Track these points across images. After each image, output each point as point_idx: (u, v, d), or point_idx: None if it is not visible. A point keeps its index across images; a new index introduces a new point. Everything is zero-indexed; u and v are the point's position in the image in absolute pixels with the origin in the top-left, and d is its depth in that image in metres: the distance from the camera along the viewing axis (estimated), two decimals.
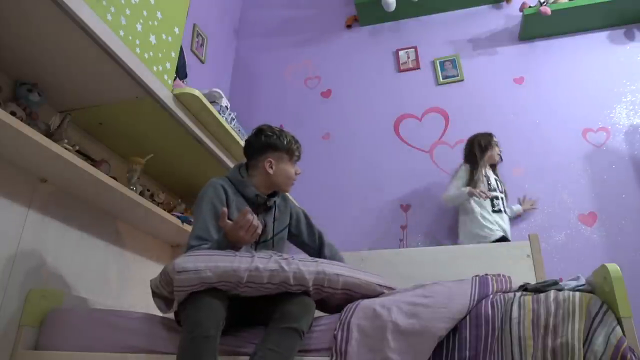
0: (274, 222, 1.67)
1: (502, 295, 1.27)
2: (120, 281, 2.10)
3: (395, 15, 3.37)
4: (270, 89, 3.48)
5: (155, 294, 1.41)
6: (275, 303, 1.31)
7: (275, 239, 1.66)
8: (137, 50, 1.71)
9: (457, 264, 2.07)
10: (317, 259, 1.40)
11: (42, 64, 1.65)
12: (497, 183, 2.61)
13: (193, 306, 1.23)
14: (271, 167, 1.64)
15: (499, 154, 2.70)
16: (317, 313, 1.40)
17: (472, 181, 2.56)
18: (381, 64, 3.33)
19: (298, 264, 1.33)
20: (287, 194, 1.79)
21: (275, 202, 1.68)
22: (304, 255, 1.64)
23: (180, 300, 1.28)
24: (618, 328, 1.09)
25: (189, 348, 1.18)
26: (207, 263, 1.25)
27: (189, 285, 1.24)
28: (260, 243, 1.62)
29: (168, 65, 1.91)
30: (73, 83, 1.76)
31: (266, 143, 1.66)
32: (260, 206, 1.64)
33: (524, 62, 3.05)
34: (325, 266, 1.36)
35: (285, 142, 1.69)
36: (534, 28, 3.02)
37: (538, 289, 1.28)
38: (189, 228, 2.18)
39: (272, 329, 1.24)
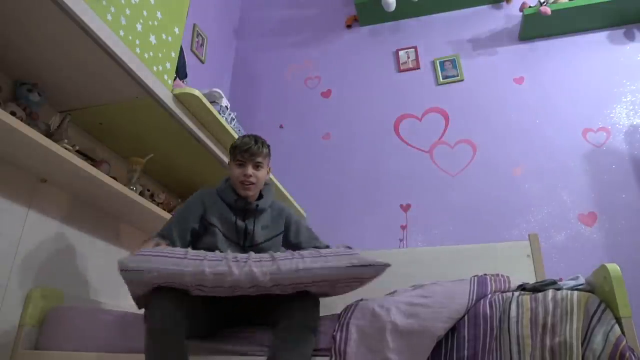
0: (261, 228, 1.63)
1: (500, 295, 1.27)
2: (120, 281, 2.09)
3: (395, 15, 3.37)
4: (270, 89, 3.48)
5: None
6: (277, 304, 1.30)
7: (266, 246, 1.61)
8: (137, 50, 1.71)
9: (457, 264, 2.07)
10: (275, 256, 1.31)
11: (42, 64, 1.65)
12: None
13: (150, 302, 1.25)
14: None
15: None
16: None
17: None
18: (381, 64, 3.33)
19: (251, 265, 1.26)
20: (278, 202, 1.76)
21: (257, 205, 1.64)
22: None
23: (134, 296, 1.33)
24: (616, 326, 1.09)
25: (146, 342, 1.20)
26: (151, 264, 1.25)
27: (136, 284, 1.27)
28: (247, 247, 1.59)
29: (168, 65, 1.91)
30: (73, 83, 1.76)
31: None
32: (246, 211, 1.64)
33: (524, 62, 3.05)
34: (283, 263, 1.27)
35: (233, 144, 1.69)
36: (534, 28, 3.02)
37: (536, 288, 1.28)
38: None
39: (282, 333, 1.24)
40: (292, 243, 1.70)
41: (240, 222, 1.61)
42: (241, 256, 1.31)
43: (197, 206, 1.63)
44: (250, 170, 1.61)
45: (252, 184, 1.62)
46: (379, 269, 1.31)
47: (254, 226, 1.62)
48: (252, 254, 1.34)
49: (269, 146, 1.72)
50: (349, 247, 1.58)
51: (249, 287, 1.26)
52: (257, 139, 1.67)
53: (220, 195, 1.65)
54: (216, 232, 1.57)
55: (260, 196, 1.69)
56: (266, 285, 1.26)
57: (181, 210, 1.64)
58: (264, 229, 1.65)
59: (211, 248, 1.47)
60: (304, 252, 1.34)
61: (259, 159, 1.64)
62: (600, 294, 1.19)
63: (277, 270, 1.26)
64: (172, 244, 1.54)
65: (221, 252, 1.40)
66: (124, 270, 1.26)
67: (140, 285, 1.27)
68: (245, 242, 1.60)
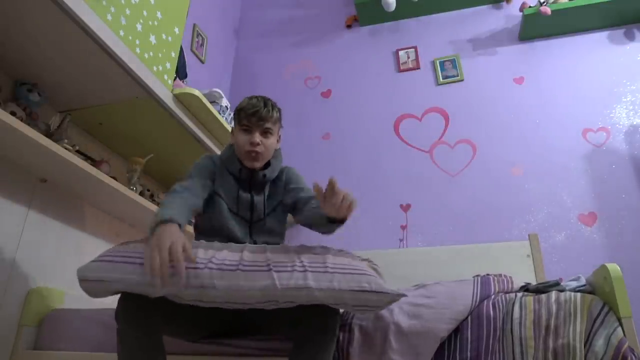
0: (267, 199, 1.48)
1: (503, 296, 1.27)
2: None
3: (395, 15, 3.37)
4: (270, 89, 3.47)
5: None
6: (280, 311, 1.17)
7: (269, 219, 1.47)
8: (137, 50, 1.71)
9: (457, 264, 2.07)
10: (270, 264, 1.11)
11: (42, 64, 1.66)
12: None
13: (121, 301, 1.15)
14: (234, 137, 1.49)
15: None
16: None
17: None
18: (381, 64, 3.33)
19: (239, 277, 1.09)
20: (283, 167, 1.56)
21: (264, 175, 1.47)
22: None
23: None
24: (619, 329, 1.10)
25: (117, 345, 1.14)
26: (114, 273, 1.08)
27: (101, 294, 1.13)
28: (254, 223, 1.45)
29: (168, 65, 1.91)
30: (73, 83, 1.76)
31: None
32: (252, 182, 1.47)
33: (524, 62, 3.05)
34: (279, 276, 1.08)
35: (238, 106, 1.48)
36: (534, 28, 3.02)
37: (539, 289, 1.28)
38: (189, 228, 2.18)
39: (303, 337, 1.15)
40: (292, 205, 1.49)
41: (245, 195, 1.45)
42: (230, 259, 1.11)
43: (209, 169, 1.48)
44: (257, 137, 1.42)
45: (260, 153, 1.43)
46: (393, 297, 1.11)
47: (262, 198, 1.46)
48: (246, 254, 1.14)
49: (279, 110, 1.51)
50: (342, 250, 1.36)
51: (235, 304, 1.11)
52: (266, 101, 1.46)
53: (226, 164, 1.49)
54: (222, 203, 1.43)
55: (268, 164, 1.50)
56: (258, 301, 1.09)
57: (197, 169, 1.48)
58: (269, 199, 1.48)
59: (216, 225, 1.39)
60: (305, 262, 1.12)
61: (268, 125, 1.44)
62: (600, 294, 1.19)
63: (272, 286, 1.07)
64: (193, 192, 1.38)
65: (228, 229, 1.35)
66: (84, 281, 1.11)
67: (104, 294, 1.14)
68: (252, 216, 1.45)
